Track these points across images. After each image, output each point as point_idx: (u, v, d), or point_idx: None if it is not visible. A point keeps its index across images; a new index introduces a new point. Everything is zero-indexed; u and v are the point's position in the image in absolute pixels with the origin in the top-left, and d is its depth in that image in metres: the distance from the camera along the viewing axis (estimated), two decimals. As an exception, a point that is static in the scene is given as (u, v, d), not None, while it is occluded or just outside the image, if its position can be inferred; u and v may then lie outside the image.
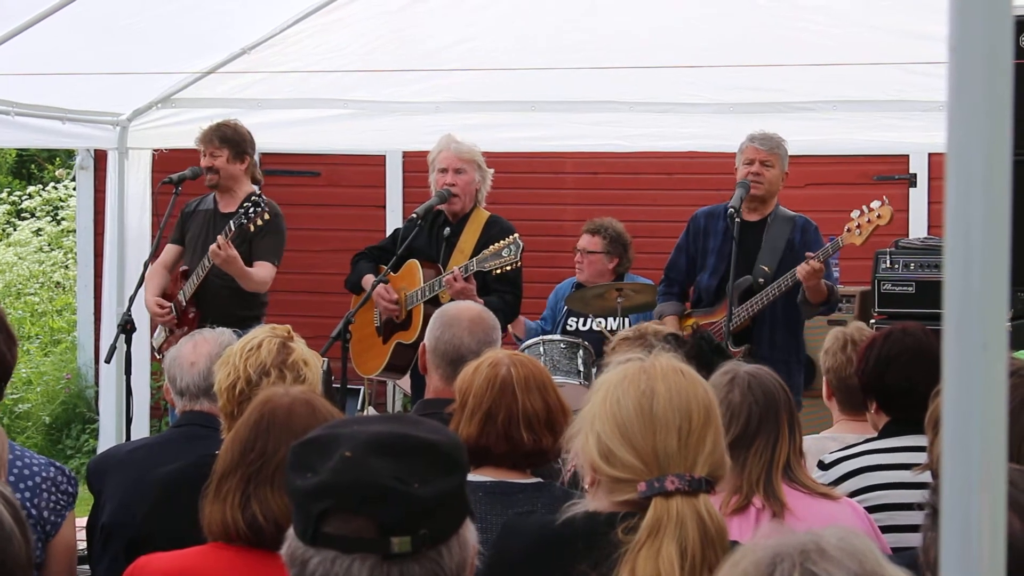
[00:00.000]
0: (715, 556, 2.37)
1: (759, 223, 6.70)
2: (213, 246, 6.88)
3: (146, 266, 7.29)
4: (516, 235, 6.54)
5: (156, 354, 7.55)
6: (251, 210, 6.89)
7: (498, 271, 6.50)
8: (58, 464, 3.82)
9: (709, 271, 6.80)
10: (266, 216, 6.89)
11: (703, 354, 4.20)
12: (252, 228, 6.91)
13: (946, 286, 1.43)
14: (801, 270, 6.33)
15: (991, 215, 1.42)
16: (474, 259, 6.54)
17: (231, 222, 6.94)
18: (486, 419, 3.39)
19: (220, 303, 7.14)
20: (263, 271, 7.10)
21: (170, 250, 7.53)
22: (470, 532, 1.98)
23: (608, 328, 7.53)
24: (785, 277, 6.47)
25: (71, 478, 3.81)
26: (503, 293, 6.66)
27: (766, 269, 6.60)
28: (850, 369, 4.42)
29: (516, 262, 6.46)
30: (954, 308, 1.43)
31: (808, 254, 6.39)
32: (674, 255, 7.00)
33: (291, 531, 1.94)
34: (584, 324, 7.82)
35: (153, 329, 7.51)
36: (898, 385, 4.15)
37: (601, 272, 7.89)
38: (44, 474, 3.72)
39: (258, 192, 7.09)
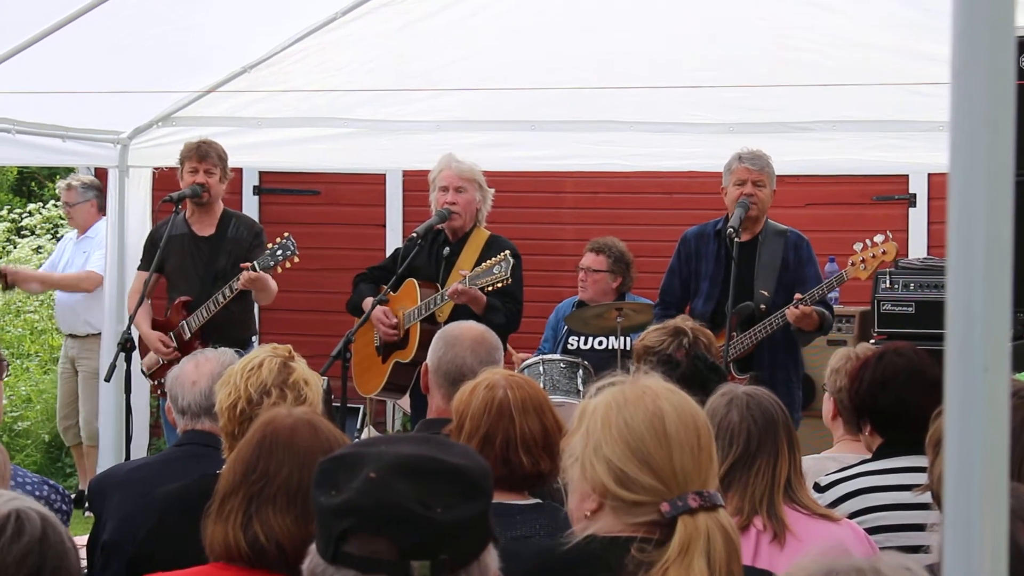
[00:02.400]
0: (737, 568, 2.41)
1: (751, 242, 6.67)
2: (245, 278, 6.92)
3: (146, 284, 7.26)
4: (507, 252, 6.52)
5: (147, 378, 7.50)
6: (279, 253, 6.92)
7: (490, 288, 6.50)
8: (51, 482, 3.82)
9: (703, 297, 6.74)
10: (296, 260, 6.94)
11: (699, 373, 4.19)
12: (280, 270, 6.96)
13: (949, 308, 1.44)
14: (791, 315, 6.33)
15: (993, 236, 1.42)
16: (467, 277, 6.54)
17: (255, 263, 6.98)
18: (484, 443, 3.36)
19: (222, 329, 7.11)
20: (273, 284, 7.20)
21: (142, 277, 7.44)
22: (491, 557, 1.97)
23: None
24: (776, 316, 6.45)
25: (65, 496, 3.81)
26: (504, 304, 6.65)
27: (765, 294, 6.57)
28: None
29: (506, 279, 6.44)
30: (956, 330, 1.43)
31: (797, 296, 6.36)
32: (667, 279, 6.96)
33: (314, 546, 1.94)
34: (585, 343, 7.79)
35: (144, 352, 7.42)
36: (893, 406, 4.14)
37: (605, 291, 7.86)
38: (37, 493, 3.73)
39: (287, 235, 7.08)
